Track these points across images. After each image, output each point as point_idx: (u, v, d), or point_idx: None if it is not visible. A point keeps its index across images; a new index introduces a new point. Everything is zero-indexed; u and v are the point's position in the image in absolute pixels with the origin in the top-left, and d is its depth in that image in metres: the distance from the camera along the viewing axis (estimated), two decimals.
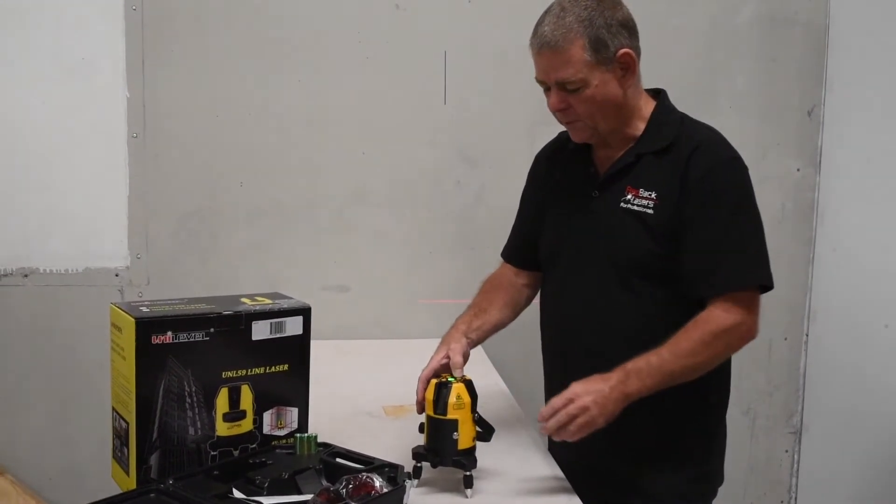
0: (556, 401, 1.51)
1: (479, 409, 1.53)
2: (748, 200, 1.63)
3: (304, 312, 1.56)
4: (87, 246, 2.47)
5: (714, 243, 1.59)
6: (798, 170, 2.68)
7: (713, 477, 1.76)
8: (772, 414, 2.77)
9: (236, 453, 1.50)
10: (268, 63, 2.47)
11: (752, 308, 1.60)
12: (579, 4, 1.60)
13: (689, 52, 2.61)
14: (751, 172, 1.65)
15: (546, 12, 1.62)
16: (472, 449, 1.51)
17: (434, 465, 1.50)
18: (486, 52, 2.53)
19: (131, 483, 1.41)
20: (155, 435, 1.42)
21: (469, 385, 1.51)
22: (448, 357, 1.62)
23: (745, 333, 1.60)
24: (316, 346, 2.50)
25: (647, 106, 1.70)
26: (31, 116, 2.41)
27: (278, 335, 1.53)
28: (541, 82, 1.65)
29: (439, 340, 1.73)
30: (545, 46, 1.60)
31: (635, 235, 1.64)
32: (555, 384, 1.79)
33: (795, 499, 2.80)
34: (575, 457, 1.68)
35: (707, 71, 2.63)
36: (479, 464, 1.51)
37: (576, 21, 1.58)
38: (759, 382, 2.74)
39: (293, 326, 1.54)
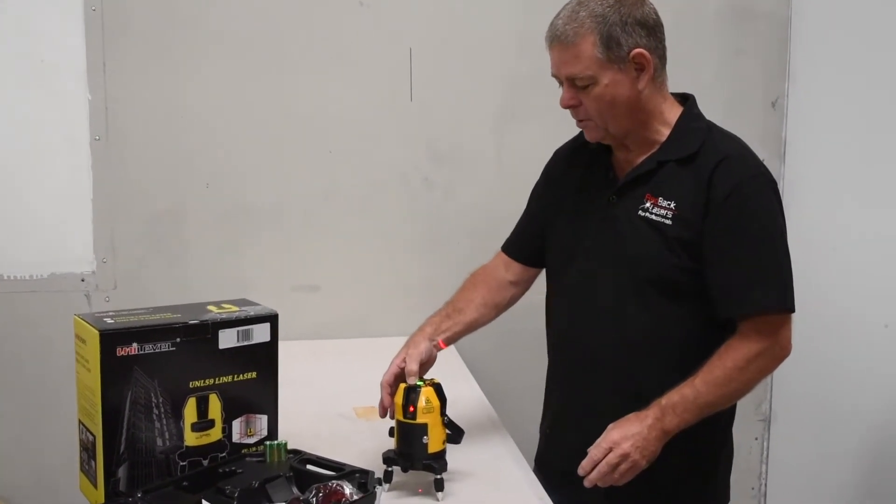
0: (595, 452, 1.50)
1: (449, 411, 1.53)
2: (776, 219, 1.60)
3: (272, 319, 1.55)
4: (51, 251, 2.43)
5: (743, 265, 1.55)
6: (764, 160, 2.68)
7: (720, 496, 1.76)
8: (741, 401, 2.79)
9: (206, 463, 1.49)
10: (231, 63, 2.44)
11: (783, 329, 1.57)
12: (597, 0, 1.57)
13: None
14: None
15: (564, 6, 1.59)
16: (443, 452, 1.52)
17: (405, 470, 1.51)
18: (452, 48, 2.52)
19: (100, 496, 1.40)
20: (122, 447, 1.41)
21: (438, 388, 1.52)
22: (400, 361, 1.62)
23: (778, 353, 1.58)
24: (288, 347, 2.48)
25: (673, 111, 1.66)
26: None
27: (246, 343, 1.52)
28: (554, 76, 1.62)
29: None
30: (556, 40, 1.57)
31: (651, 245, 1.60)
32: (557, 387, 1.81)
33: (765, 485, 2.84)
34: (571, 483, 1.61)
35: (671, 64, 2.63)
36: (450, 466, 1.52)
37: (589, 16, 1.55)
38: None
39: (260, 333, 1.54)
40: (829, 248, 2.61)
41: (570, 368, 1.75)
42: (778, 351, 1.58)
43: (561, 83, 1.62)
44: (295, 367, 2.27)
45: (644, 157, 1.65)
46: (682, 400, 1.53)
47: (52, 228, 2.43)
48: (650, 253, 1.60)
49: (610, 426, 1.54)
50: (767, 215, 1.59)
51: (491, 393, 2.10)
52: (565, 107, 1.63)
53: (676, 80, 2.60)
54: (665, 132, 1.64)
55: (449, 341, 1.77)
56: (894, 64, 2.44)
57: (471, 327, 1.81)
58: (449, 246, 2.57)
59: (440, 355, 1.71)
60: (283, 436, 1.59)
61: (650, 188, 1.62)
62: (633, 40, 1.57)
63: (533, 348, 2.49)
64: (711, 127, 1.66)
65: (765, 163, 2.63)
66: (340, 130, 2.51)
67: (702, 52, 2.64)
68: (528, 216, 1.89)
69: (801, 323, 2.65)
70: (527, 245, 1.86)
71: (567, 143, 1.86)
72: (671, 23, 2.58)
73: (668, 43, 2.60)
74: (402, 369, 1.60)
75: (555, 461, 1.76)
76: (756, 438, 2.82)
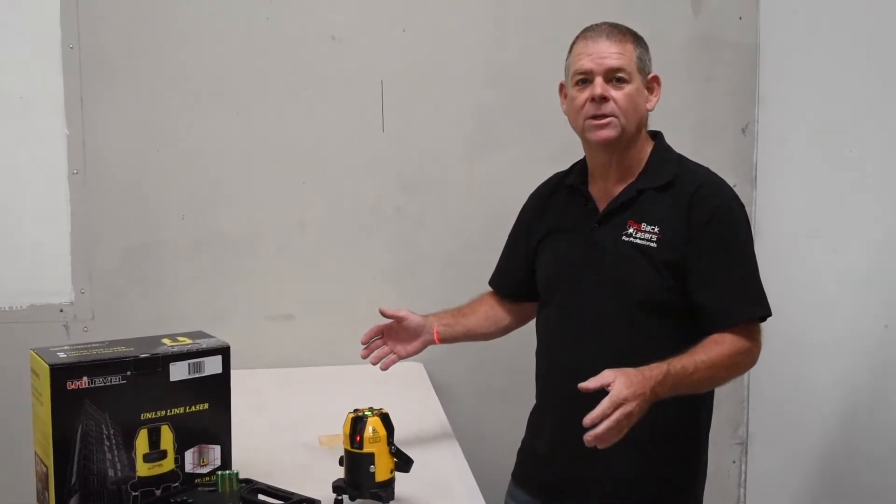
0: (605, 407, 1.47)
1: (404, 438, 1.56)
2: (750, 237, 1.77)
3: (223, 352, 1.58)
4: (31, 282, 2.49)
5: (729, 279, 1.70)
6: (735, 185, 2.71)
7: None
8: (717, 425, 2.78)
9: (158, 492, 1.52)
10: (205, 97, 2.50)
11: (759, 335, 1.71)
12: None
13: None
14: None
15: (596, 23, 1.79)
16: (391, 481, 1.54)
17: (352, 498, 1.53)
18: (423, 79, 2.57)
19: None
20: (74, 478, 1.44)
21: (385, 418, 1.54)
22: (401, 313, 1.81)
23: (755, 357, 1.71)
24: (261, 376, 2.53)
25: (647, 145, 1.81)
26: None
27: (197, 375, 1.55)
28: (585, 72, 1.74)
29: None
30: (604, 34, 1.74)
31: (638, 267, 1.72)
32: (548, 412, 1.88)
33: None
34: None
35: None
36: (405, 493, 1.55)
37: (629, 31, 1.78)
38: None
39: (212, 366, 1.56)
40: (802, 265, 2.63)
41: (564, 391, 1.76)
42: (756, 353, 1.70)
43: (588, 80, 1.74)
44: (265, 395, 2.32)
45: (623, 187, 1.78)
46: (683, 371, 1.59)
47: (31, 260, 2.49)
48: (637, 274, 1.72)
49: (616, 378, 1.48)
50: (744, 233, 1.75)
51: (455, 418, 2.13)
52: (600, 97, 1.72)
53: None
54: (641, 162, 1.80)
55: (446, 335, 1.90)
56: (861, 86, 2.46)
57: (470, 332, 1.95)
58: (420, 274, 2.60)
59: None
60: (244, 465, 1.61)
61: (632, 215, 1.75)
62: (651, 66, 1.81)
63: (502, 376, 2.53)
64: (681, 158, 1.83)
65: (736, 187, 2.69)
66: (314, 161, 2.55)
67: (671, 81, 2.64)
68: (506, 256, 2.02)
69: (777, 344, 2.70)
70: (509, 283, 2.00)
71: (542, 185, 1.98)
72: None
73: None
74: (396, 319, 1.82)
75: (551, 473, 1.84)
76: (734, 462, 2.82)
